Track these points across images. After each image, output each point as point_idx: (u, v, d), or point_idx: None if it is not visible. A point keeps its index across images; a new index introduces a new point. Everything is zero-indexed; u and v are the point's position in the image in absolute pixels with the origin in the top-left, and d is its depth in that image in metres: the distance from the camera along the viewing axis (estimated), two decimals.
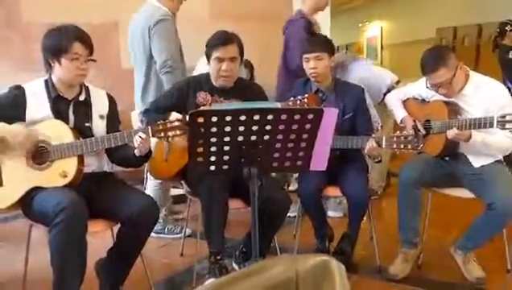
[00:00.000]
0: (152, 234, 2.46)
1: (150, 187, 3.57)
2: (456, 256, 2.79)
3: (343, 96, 2.96)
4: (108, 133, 2.44)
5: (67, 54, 2.33)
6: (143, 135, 2.31)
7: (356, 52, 11.68)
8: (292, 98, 2.71)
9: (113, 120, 2.55)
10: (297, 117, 1.83)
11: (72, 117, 2.43)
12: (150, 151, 2.43)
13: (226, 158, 1.89)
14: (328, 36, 3.25)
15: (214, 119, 1.77)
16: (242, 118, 1.78)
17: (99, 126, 2.48)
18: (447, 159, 2.86)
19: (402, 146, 2.52)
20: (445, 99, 2.79)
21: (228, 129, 1.80)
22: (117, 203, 2.35)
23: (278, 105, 2.64)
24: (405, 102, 3.10)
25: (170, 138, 2.34)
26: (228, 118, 1.78)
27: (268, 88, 3.11)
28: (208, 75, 2.85)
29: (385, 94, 4.04)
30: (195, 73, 3.86)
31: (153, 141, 2.42)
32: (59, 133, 2.34)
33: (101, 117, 2.51)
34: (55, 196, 2.19)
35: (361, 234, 3.00)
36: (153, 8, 3.43)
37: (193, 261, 2.87)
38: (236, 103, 2.76)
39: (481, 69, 4.11)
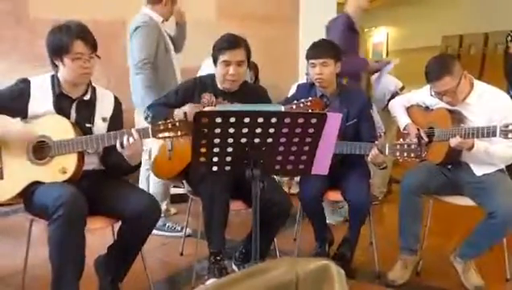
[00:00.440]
0: (153, 231, 2.46)
1: (153, 181, 3.65)
2: (456, 264, 2.79)
3: (347, 102, 2.96)
4: None
5: (68, 54, 2.32)
6: (136, 136, 2.27)
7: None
8: (296, 101, 2.72)
9: (116, 123, 2.53)
10: (301, 121, 1.84)
11: (73, 115, 2.43)
12: (140, 163, 2.43)
13: (229, 159, 1.89)
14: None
15: (218, 120, 1.78)
16: (246, 120, 1.79)
17: (100, 128, 2.47)
18: (449, 167, 2.86)
19: (405, 154, 2.52)
20: (449, 107, 2.79)
21: (231, 130, 1.81)
22: (119, 201, 2.35)
23: (282, 108, 2.65)
24: (408, 109, 3.11)
25: (170, 140, 2.34)
26: (232, 120, 1.78)
27: (273, 89, 3.12)
28: (213, 76, 2.86)
29: (389, 100, 4.06)
30: (199, 73, 3.88)
31: (158, 142, 2.42)
32: (60, 128, 2.35)
33: (104, 119, 2.50)
34: (54, 191, 2.19)
35: (361, 240, 3.00)
36: (140, 14, 3.63)
37: (193, 261, 2.88)
38: (240, 105, 2.77)
39: (486, 78, 4.11)
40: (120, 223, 2.41)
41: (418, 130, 2.89)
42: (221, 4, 5.47)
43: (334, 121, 1.92)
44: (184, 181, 2.99)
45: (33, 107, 2.37)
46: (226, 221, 2.62)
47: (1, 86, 2.45)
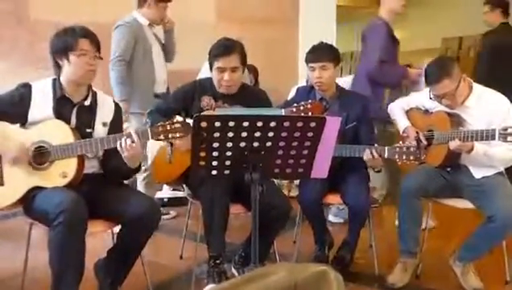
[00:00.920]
0: None
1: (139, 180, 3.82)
2: (455, 267, 2.79)
3: (347, 105, 2.96)
4: None
5: (74, 50, 2.35)
6: (135, 138, 2.28)
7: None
8: (295, 104, 2.72)
9: (116, 128, 2.53)
10: (300, 124, 1.84)
11: (74, 120, 2.43)
12: (139, 165, 2.43)
13: (228, 163, 1.90)
14: (334, 43, 3.26)
15: (217, 124, 1.79)
16: (245, 124, 1.80)
17: (100, 133, 2.47)
18: (448, 169, 2.86)
19: (404, 156, 2.53)
20: (448, 110, 2.80)
21: (231, 134, 1.81)
22: (119, 204, 2.35)
23: (282, 111, 2.66)
24: (408, 112, 3.11)
25: (170, 140, 2.34)
26: (231, 124, 1.79)
27: (272, 92, 3.12)
28: (213, 79, 2.86)
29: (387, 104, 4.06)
30: (199, 76, 3.89)
31: (156, 145, 2.42)
32: (60, 133, 2.35)
33: (104, 124, 2.51)
34: (55, 197, 2.19)
35: (361, 242, 3.01)
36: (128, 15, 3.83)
37: (192, 264, 2.88)
38: (239, 109, 2.77)
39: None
40: (120, 226, 2.41)
41: (417, 132, 2.90)
42: (221, 7, 5.47)
43: (333, 124, 1.92)
44: (184, 185, 2.99)
45: (33, 112, 2.38)
46: (226, 224, 2.62)
47: (1, 88, 2.46)
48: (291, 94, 3.49)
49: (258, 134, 1.82)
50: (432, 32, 8.58)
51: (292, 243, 3.37)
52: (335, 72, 2.95)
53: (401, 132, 3.10)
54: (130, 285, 2.53)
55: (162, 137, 2.30)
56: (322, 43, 3.01)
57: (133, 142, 2.27)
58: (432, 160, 2.85)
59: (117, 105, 2.62)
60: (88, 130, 2.45)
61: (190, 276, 2.82)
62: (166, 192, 4.59)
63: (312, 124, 1.85)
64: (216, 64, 2.75)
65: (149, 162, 3.20)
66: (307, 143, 1.90)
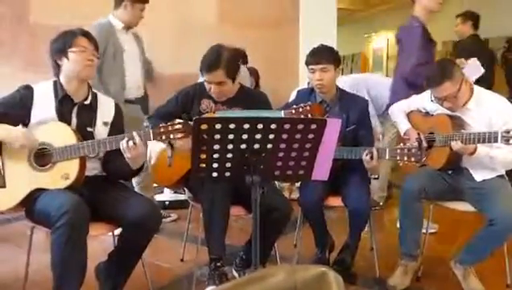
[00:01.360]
0: None
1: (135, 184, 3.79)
2: (456, 270, 2.78)
3: (347, 108, 2.96)
4: None
5: (73, 47, 2.38)
6: (137, 139, 2.28)
7: (361, 63, 11.72)
8: (295, 106, 2.72)
9: (117, 129, 2.54)
10: (300, 126, 1.84)
11: (74, 120, 2.44)
12: (142, 166, 2.44)
13: (229, 165, 1.90)
14: (334, 46, 3.26)
15: (218, 126, 1.79)
16: (246, 126, 1.79)
17: (101, 132, 2.48)
18: (449, 172, 2.86)
19: (405, 158, 2.53)
20: (449, 113, 2.80)
21: (231, 136, 1.81)
22: (120, 207, 2.35)
23: (282, 113, 2.66)
24: (409, 115, 3.12)
25: (171, 141, 2.34)
26: (231, 126, 1.79)
27: (273, 95, 3.12)
28: None
29: (388, 106, 4.06)
30: (201, 78, 3.89)
31: (157, 148, 2.41)
32: (62, 135, 2.35)
33: (105, 123, 2.52)
34: (57, 199, 2.19)
35: (362, 245, 3.01)
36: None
37: (193, 267, 2.88)
38: (239, 111, 2.78)
39: None
40: (121, 229, 2.41)
41: (418, 134, 2.90)
42: (223, 9, 5.48)
43: (334, 126, 1.93)
44: (185, 188, 3.00)
45: (36, 114, 2.38)
46: (226, 226, 2.62)
47: (3, 92, 2.47)
48: (292, 97, 3.49)
49: (258, 136, 1.82)
50: (433, 35, 8.58)
51: (293, 246, 3.37)
52: (335, 74, 2.95)
53: (402, 134, 3.10)
54: (131, 288, 2.53)
55: (163, 137, 2.30)
56: (322, 45, 3.01)
57: (135, 143, 2.27)
58: (434, 163, 2.85)
59: (117, 105, 2.63)
60: (90, 129, 2.45)
61: (191, 279, 2.82)
62: (167, 195, 4.60)
63: (313, 126, 1.85)
64: (203, 76, 2.79)
65: (149, 165, 3.19)
66: (308, 145, 1.90)
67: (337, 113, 2.91)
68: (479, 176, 2.76)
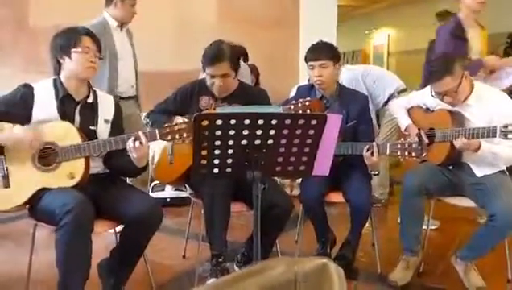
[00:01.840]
0: None
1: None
2: (457, 265, 2.79)
3: (347, 103, 2.97)
4: None
5: (77, 47, 2.38)
6: (143, 139, 2.29)
7: (362, 60, 11.72)
8: (294, 101, 2.71)
9: (117, 126, 2.55)
10: (301, 122, 1.85)
11: (77, 118, 2.45)
12: (147, 165, 2.44)
13: (230, 161, 1.90)
14: (334, 43, 3.26)
15: (219, 122, 1.79)
16: (247, 121, 1.80)
17: (103, 130, 2.49)
18: (450, 167, 2.86)
19: (405, 153, 2.54)
20: (450, 108, 2.80)
21: (232, 132, 1.81)
22: (122, 204, 2.36)
23: (280, 109, 2.66)
24: (409, 111, 3.12)
25: (178, 141, 2.35)
26: (232, 122, 1.79)
27: (273, 93, 3.12)
28: None
29: (386, 102, 4.07)
30: (201, 76, 3.89)
31: (161, 145, 2.42)
32: (66, 134, 2.35)
33: (107, 121, 2.52)
34: (62, 197, 2.20)
35: (363, 241, 3.01)
36: None
37: (195, 263, 2.89)
38: (239, 107, 2.78)
39: None
40: (123, 226, 2.42)
41: (418, 129, 2.90)
42: (222, 8, 5.48)
43: (334, 122, 1.93)
44: (186, 184, 3.00)
45: (37, 112, 2.38)
46: (227, 222, 2.63)
47: (2, 91, 2.48)
48: (292, 93, 3.49)
49: (259, 131, 1.82)
50: (434, 32, 8.57)
51: (294, 242, 3.37)
52: (335, 70, 2.95)
53: (402, 130, 3.11)
54: (133, 285, 2.55)
55: (169, 137, 2.32)
56: (321, 41, 3.01)
57: (141, 143, 2.28)
58: (434, 158, 2.85)
59: (117, 103, 2.64)
60: (92, 128, 2.46)
61: (193, 275, 2.83)
62: (168, 193, 4.60)
63: (314, 121, 1.86)
64: (206, 70, 2.79)
65: (150, 162, 3.19)
66: (309, 141, 1.90)
67: (337, 109, 2.91)
68: (480, 171, 2.77)
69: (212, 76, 2.77)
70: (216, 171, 1.93)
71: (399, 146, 2.57)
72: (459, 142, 2.61)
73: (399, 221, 2.92)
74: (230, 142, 1.84)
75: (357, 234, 2.92)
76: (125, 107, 3.61)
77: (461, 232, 3.20)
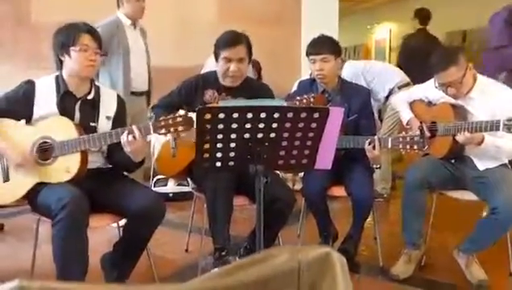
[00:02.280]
0: None
1: None
2: (459, 258, 2.79)
3: (348, 97, 2.97)
4: None
5: (76, 45, 2.37)
6: (136, 133, 2.27)
7: (364, 54, 11.69)
8: (298, 97, 2.72)
9: (120, 122, 2.55)
10: (303, 115, 1.85)
11: (77, 115, 2.45)
12: (143, 159, 2.44)
13: (232, 154, 1.91)
14: (336, 38, 3.25)
15: (221, 116, 1.79)
16: (249, 115, 1.80)
17: (104, 127, 2.49)
18: (452, 161, 2.86)
19: (408, 146, 2.54)
20: (452, 102, 2.80)
21: (235, 126, 1.82)
22: (124, 198, 2.37)
23: (284, 103, 2.66)
24: (411, 104, 3.11)
25: (172, 134, 2.35)
26: (235, 115, 1.80)
27: (275, 87, 3.12)
28: (216, 73, 2.87)
29: (387, 97, 4.06)
30: (204, 70, 3.90)
31: (160, 139, 2.41)
32: (63, 129, 2.36)
33: (108, 118, 2.52)
34: (57, 192, 2.22)
35: (365, 235, 3.02)
36: None
37: (198, 257, 2.90)
38: (242, 100, 2.78)
39: None
40: (125, 220, 2.43)
41: (420, 123, 2.90)
42: (223, 5, 5.47)
43: (336, 115, 1.93)
44: (188, 178, 3.01)
45: (38, 109, 2.40)
46: (230, 216, 2.63)
47: (7, 90, 2.48)
48: (294, 88, 3.50)
49: (261, 125, 1.83)
50: (436, 26, 8.55)
51: (296, 236, 3.38)
52: (336, 64, 2.94)
53: (404, 124, 3.11)
54: (136, 278, 2.56)
55: (164, 131, 2.29)
56: (322, 35, 3.01)
57: (134, 137, 2.28)
58: (436, 152, 2.85)
59: (120, 98, 2.64)
60: (93, 124, 2.46)
61: (196, 269, 2.84)
62: (171, 188, 4.61)
63: (316, 115, 1.86)
64: (222, 54, 2.76)
65: (153, 159, 3.20)
66: (311, 134, 1.91)
67: (339, 103, 2.91)
68: (482, 164, 2.77)
69: (229, 61, 2.75)
70: (218, 164, 1.93)
71: (401, 139, 2.57)
72: (462, 136, 2.61)
73: (401, 214, 2.93)
74: (233, 136, 1.85)
75: (359, 228, 2.92)
76: (138, 103, 3.71)
77: (463, 225, 3.19)
